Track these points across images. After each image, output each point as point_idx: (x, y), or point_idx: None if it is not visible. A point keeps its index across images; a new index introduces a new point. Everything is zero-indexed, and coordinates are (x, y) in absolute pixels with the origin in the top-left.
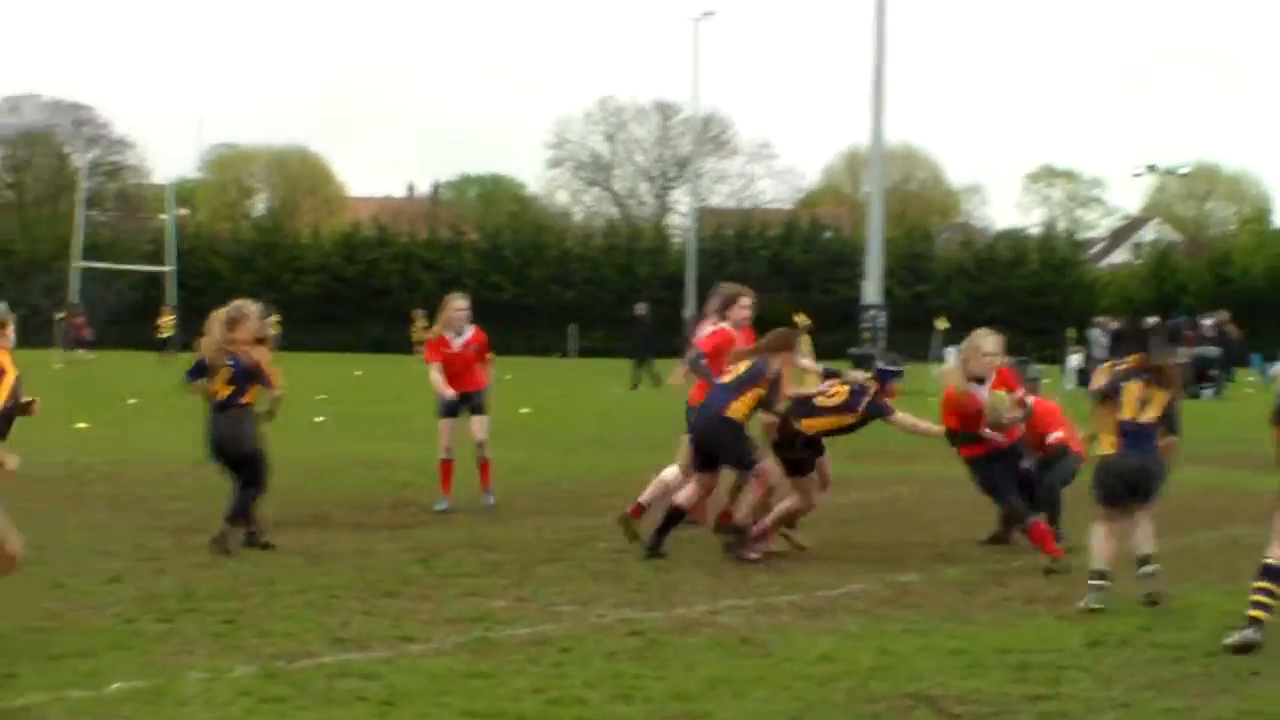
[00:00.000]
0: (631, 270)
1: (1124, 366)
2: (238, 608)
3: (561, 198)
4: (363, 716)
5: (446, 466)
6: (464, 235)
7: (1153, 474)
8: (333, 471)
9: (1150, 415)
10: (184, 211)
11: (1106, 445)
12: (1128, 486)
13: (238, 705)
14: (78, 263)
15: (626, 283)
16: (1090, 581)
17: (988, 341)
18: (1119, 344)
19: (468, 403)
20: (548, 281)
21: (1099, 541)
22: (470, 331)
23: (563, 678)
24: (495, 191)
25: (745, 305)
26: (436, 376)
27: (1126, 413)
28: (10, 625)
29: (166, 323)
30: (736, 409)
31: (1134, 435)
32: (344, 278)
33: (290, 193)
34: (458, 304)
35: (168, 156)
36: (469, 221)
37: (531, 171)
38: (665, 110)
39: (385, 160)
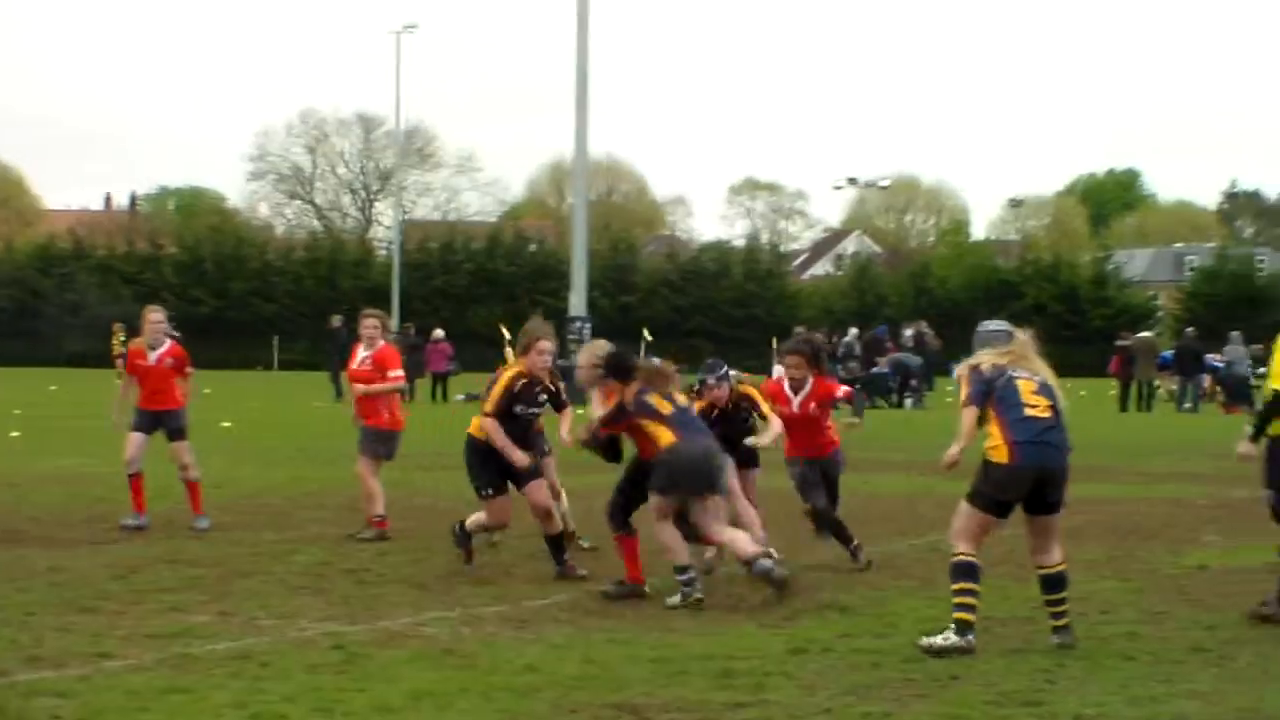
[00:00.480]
0: (334, 283)
1: None
2: None
3: (263, 210)
4: None
5: (136, 481)
6: (163, 248)
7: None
8: (26, 486)
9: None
10: None
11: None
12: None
13: None
14: None
15: (329, 296)
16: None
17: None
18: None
19: (161, 424)
20: (249, 294)
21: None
22: (166, 345)
23: (263, 692)
24: (195, 204)
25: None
26: (121, 385)
27: None
28: None
29: None
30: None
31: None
32: (40, 291)
33: None
34: (153, 316)
35: None
36: (168, 234)
37: (232, 184)
38: (368, 123)
39: (82, 172)
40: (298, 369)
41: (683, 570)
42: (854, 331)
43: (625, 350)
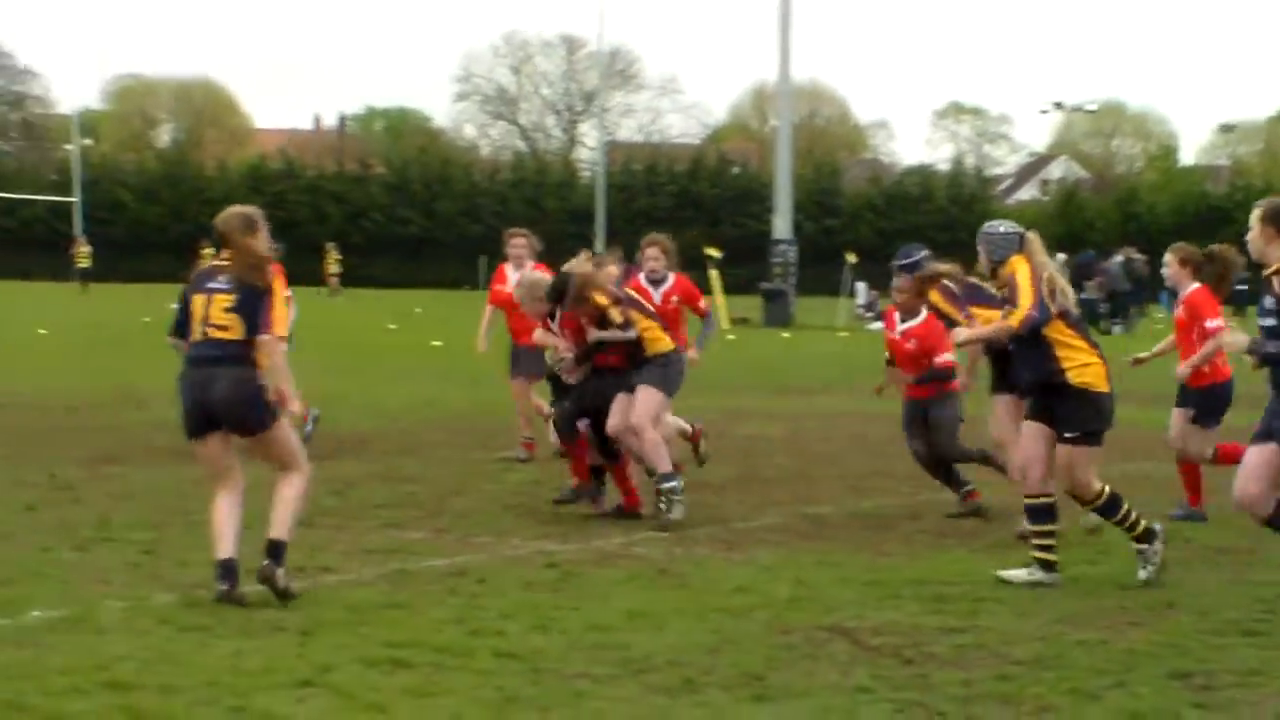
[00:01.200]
0: (539, 204)
1: None
2: (155, 538)
3: (469, 131)
4: (282, 646)
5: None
6: (371, 168)
7: None
8: None
9: None
10: (88, 142)
11: None
12: None
13: (157, 634)
14: None
15: (534, 217)
16: None
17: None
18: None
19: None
20: (456, 215)
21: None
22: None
23: (480, 609)
24: (402, 125)
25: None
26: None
27: None
28: None
29: (82, 253)
30: None
31: None
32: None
33: (195, 124)
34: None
35: (72, 86)
36: (376, 154)
37: (438, 105)
38: (571, 44)
39: (291, 92)
40: None
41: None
42: (1061, 257)
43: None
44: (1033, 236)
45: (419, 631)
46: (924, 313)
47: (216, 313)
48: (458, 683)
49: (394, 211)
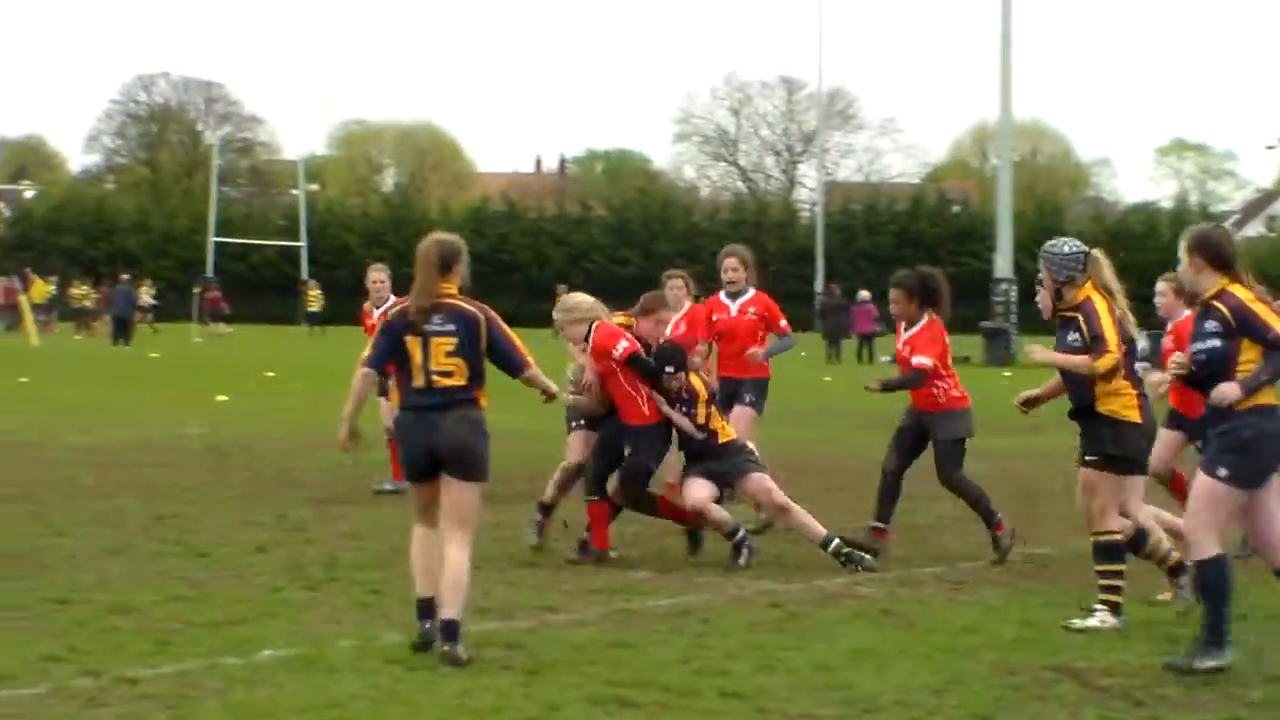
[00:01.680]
0: (759, 244)
1: None
2: (382, 577)
3: (688, 172)
4: (508, 686)
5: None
6: (592, 210)
7: None
8: None
9: None
10: (314, 187)
11: None
12: None
13: (386, 673)
14: (212, 238)
15: (754, 257)
16: None
17: None
18: None
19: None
20: (675, 255)
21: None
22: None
23: (705, 648)
24: (622, 166)
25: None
26: None
27: None
28: (160, 594)
29: (312, 296)
30: None
31: None
32: (474, 253)
33: (419, 168)
34: (375, 276)
35: (298, 133)
36: (596, 196)
37: (658, 147)
38: (791, 85)
39: (513, 135)
40: None
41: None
42: None
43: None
44: (1098, 255)
45: (644, 671)
46: (925, 318)
47: (439, 356)
48: None
49: (614, 252)
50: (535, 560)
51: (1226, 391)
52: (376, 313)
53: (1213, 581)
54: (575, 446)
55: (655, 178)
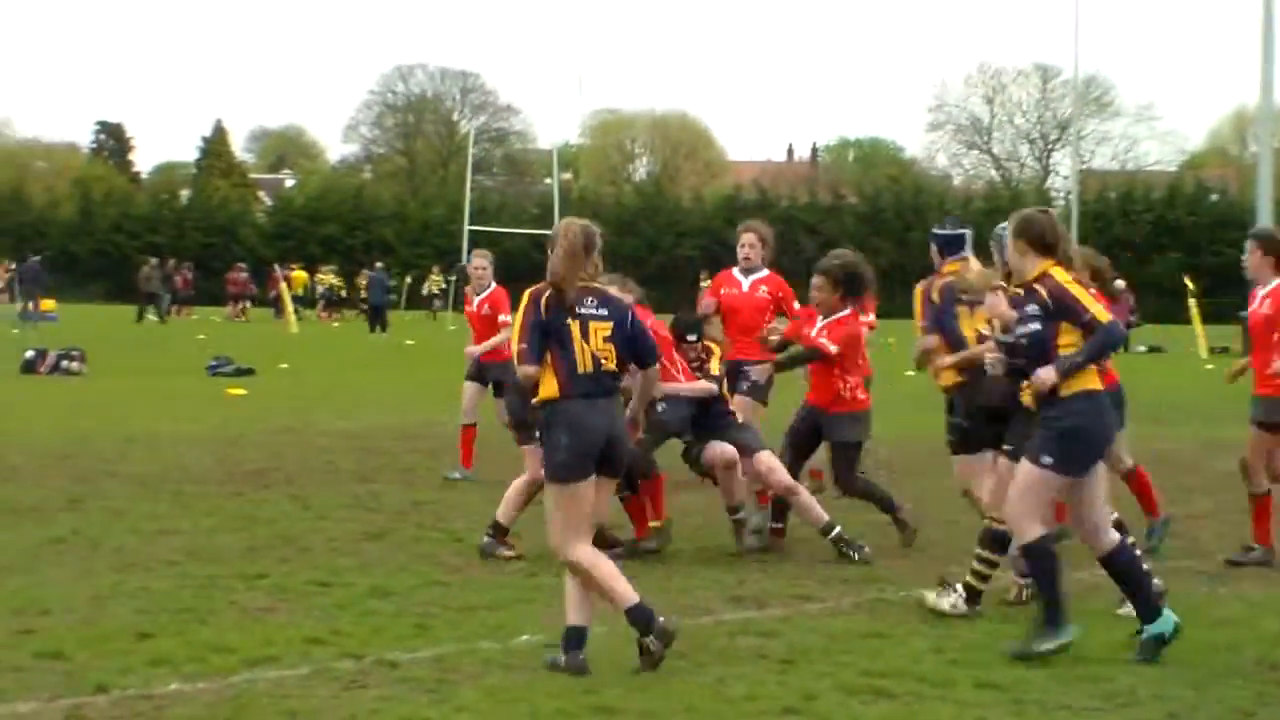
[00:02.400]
0: None
1: None
2: (639, 565)
3: (941, 161)
4: (763, 674)
5: (465, 433)
6: (844, 198)
7: None
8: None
9: None
10: (567, 176)
11: None
12: None
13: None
14: (467, 226)
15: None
16: None
17: None
18: None
19: (486, 374)
20: (928, 244)
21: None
22: (489, 290)
23: (959, 639)
24: (874, 154)
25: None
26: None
27: None
28: (418, 579)
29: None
30: None
31: None
32: (725, 241)
33: (671, 157)
34: (477, 262)
35: (551, 122)
36: (849, 185)
37: (911, 135)
38: (1045, 72)
39: (765, 124)
40: None
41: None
42: None
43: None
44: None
45: (899, 661)
46: (846, 310)
47: (598, 342)
48: (939, 713)
49: (866, 241)
50: (788, 549)
51: (1044, 375)
52: (476, 299)
53: (1040, 564)
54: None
55: (908, 166)
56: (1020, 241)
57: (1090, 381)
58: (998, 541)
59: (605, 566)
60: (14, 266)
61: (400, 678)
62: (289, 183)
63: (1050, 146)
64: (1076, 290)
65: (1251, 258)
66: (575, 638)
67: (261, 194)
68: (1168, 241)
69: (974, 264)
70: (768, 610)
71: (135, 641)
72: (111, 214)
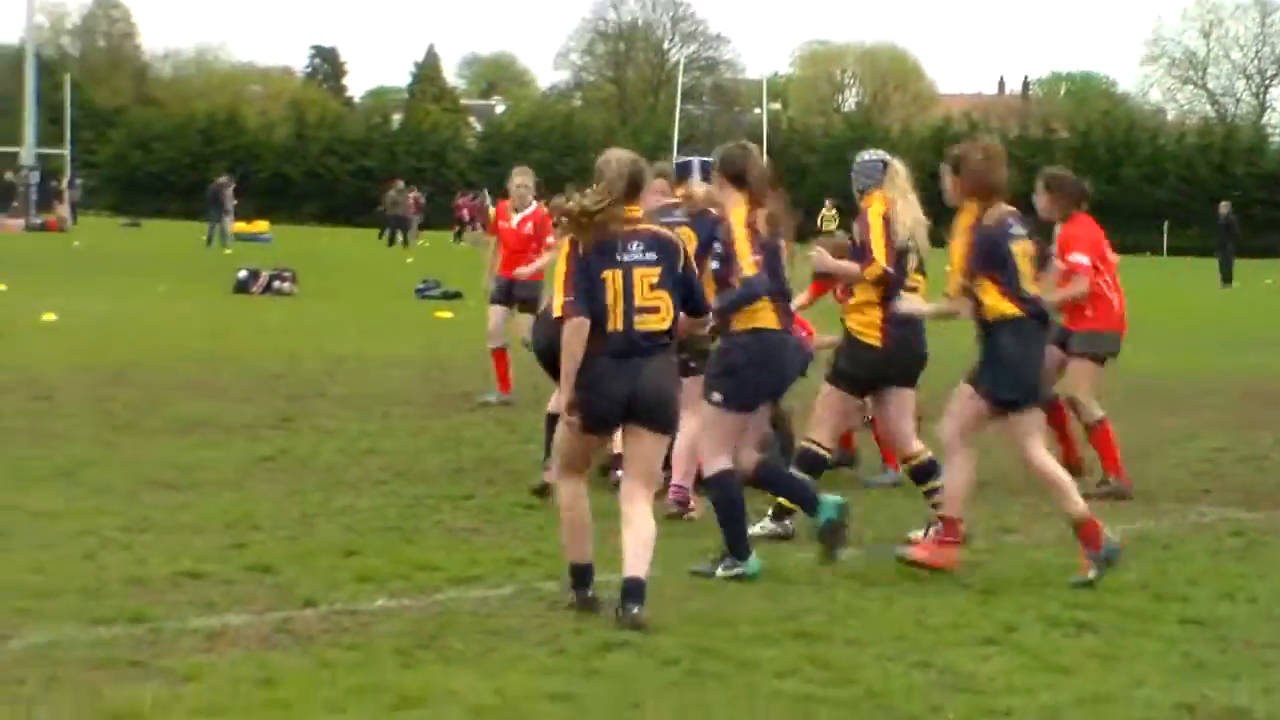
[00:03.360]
0: (1226, 170)
1: None
2: (849, 488)
3: (1154, 96)
4: (965, 604)
5: (497, 356)
6: (1055, 132)
7: None
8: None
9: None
10: (776, 106)
11: None
12: None
13: (844, 588)
14: (676, 155)
15: (1221, 181)
16: None
17: None
18: None
19: (513, 294)
20: (1140, 180)
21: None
22: (531, 209)
23: (1165, 575)
24: (1086, 89)
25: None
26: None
27: None
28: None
29: (829, 218)
30: None
31: None
32: (935, 173)
33: (881, 88)
34: (518, 179)
35: (761, 52)
36: (1060, 119)
37: (1124, 70)
38: (1265, 6)
39: (976, 57)
40: (1188, 254)
41: None
42: None
43: None
44: (896, 166)
45: (1102, 595)
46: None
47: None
48: (1143, 647)
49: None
50: (991, 481)
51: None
52: (517, 217)
53: (722, 495)
54: None
55: (1120, 101)
56: (719, 176)
57: (758, 320)
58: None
59: (576, 514)
60: None
61: (604, 599)
62: (499, 109)
63: (1267, 82)
64: (740, 231)
65: None
66: (583, 575)
67: (472, 120)
68: None
69: (696, 187)
70: (970, 542)
71: (342, 558)
72: (324, 137)
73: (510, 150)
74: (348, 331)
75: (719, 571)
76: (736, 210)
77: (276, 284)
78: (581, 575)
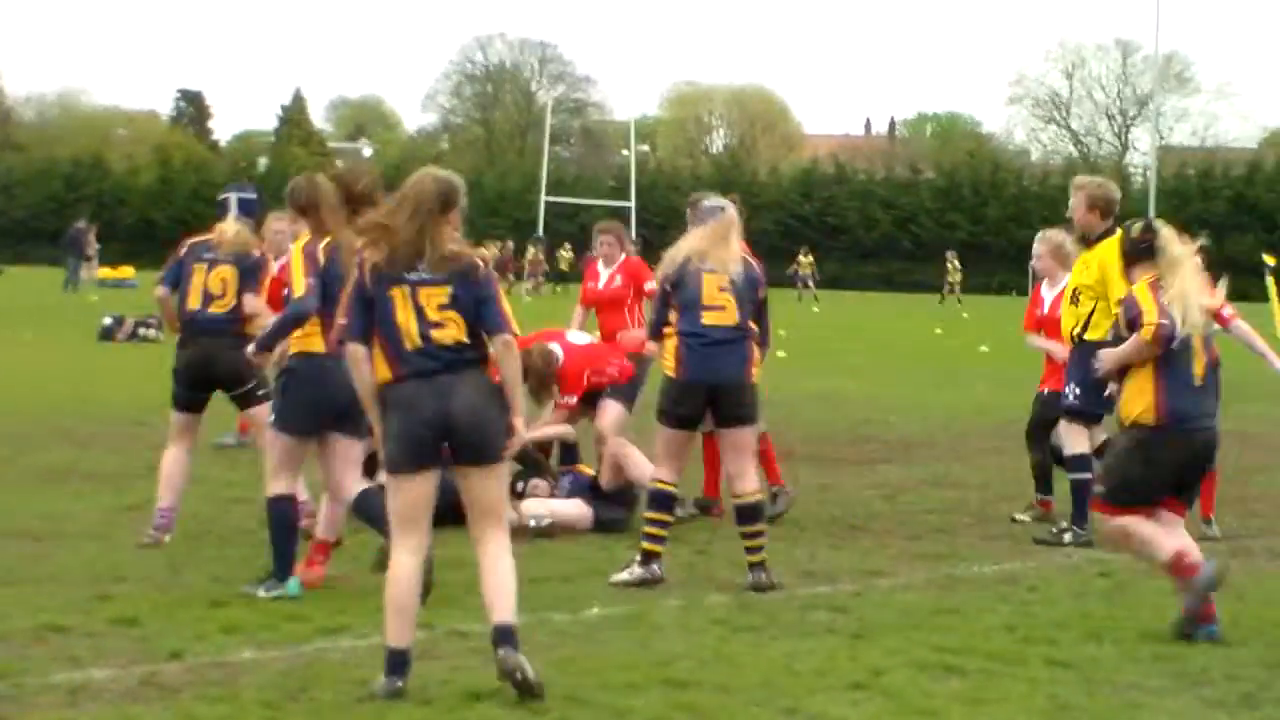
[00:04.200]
0: None
1: None
2: (707, 539)
3: (1019, 136)
4: (834, 648)
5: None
6: (921, 173)
7: None
8: (794, 405)
9: None
10: (645, 148)
11: None
12: None
13: (712, 633)
14: (544, 197)
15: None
16: None
17: None
18: None
19: None
20: (1005, 220)
21: None
22: None
23: (1032, 616)
24: (952, 129)
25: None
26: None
27: None
28: None
29: (804, 263)
30: None
31: None
32: (801, 215)
33: (749, 130)
34: (276, 225)
35: (629, 94)
36: (926, 159)
37: (989, 110)
38: (1126, 48)
39: (842, 98)
40: None
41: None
42: None
43: None
44: (729, 212)
45: (970, 637)
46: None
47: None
48: (1010, 690)
49: (943, 216)
50: (860, 524)
51: None
52: (276, 265)
53: (275, 517)
54: None
55: (985, 141)
56: (290, 208)
57: (307, 344)
58: (657, 501)
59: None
60: None
61: (471, 649)
62: (366, 152)
63: (1129, 122)
64: (295, 261)
65: None
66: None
67: (339, 163)
68: (1246, 219)
69: (230, 226)
70: (839, 585)
71: (209, 609)
72: (191, 181)
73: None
74: None
75: (260, 592)
76: (299, 239)
77: (141, 331)
78: (395, 661)
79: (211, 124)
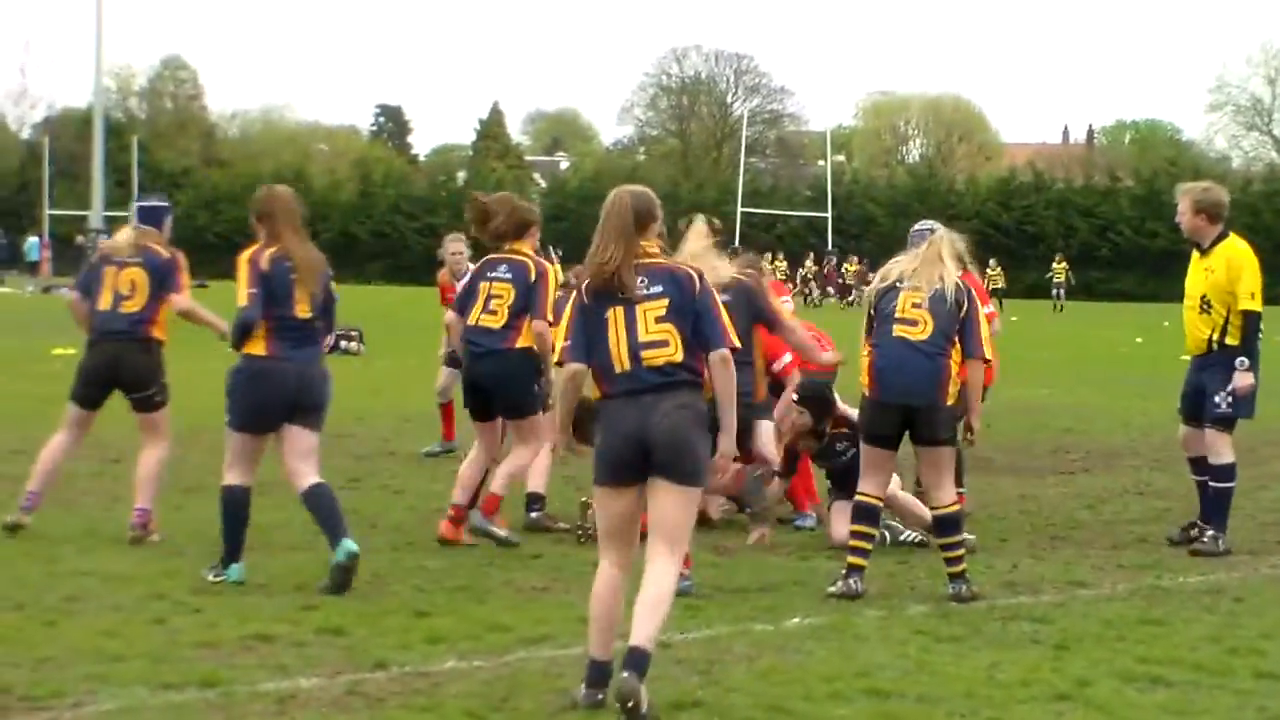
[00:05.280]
0: None
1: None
2: (907, 551)
3: (1219, 143)
4: (1037, 659)
5: (444, 409)
6: (1120, 181)
7: None
8: (993, 416)
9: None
10: (840, 158)
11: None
12: None
13: (914, 643)
14: (740, 208)
15: None
16: None
17: None
18: None
19: None
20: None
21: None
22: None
23: (1239, 627)
24: (1151, 136)
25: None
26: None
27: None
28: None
29: (849, 270)
30: None
31: None
32: (999, 224)
33: (945, 139)
34: (452, 247)
35: (825, 104)
36: (1125, 167)
37: (1189, 117)
38: None
39: (1040, 106)
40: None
41: None
42: None
43: None
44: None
45: (1175, 649)
46: None
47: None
48: (1217, 702)
49: (1142, 225)
50: (1062, 535)
51: None
52: (459, 285)
53: (227, 505)
54: None
55: (1185, 148)
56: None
57: (252, 347)
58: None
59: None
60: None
61: (673, 658)
62: (563, 165)
63: None
64: (240, 269)
65: None
66: (598, 672)
67: (536, 176)
68: None
69: (124, 234)
70: (1041, 596)
71: (413, 619)
72: (390, 195)
73: (575, 206)
74: (415, 390)
75: (210, 576)
76: (247, 249)
77: (343, 344)
78: (598, 672)
79: (410, 138)
